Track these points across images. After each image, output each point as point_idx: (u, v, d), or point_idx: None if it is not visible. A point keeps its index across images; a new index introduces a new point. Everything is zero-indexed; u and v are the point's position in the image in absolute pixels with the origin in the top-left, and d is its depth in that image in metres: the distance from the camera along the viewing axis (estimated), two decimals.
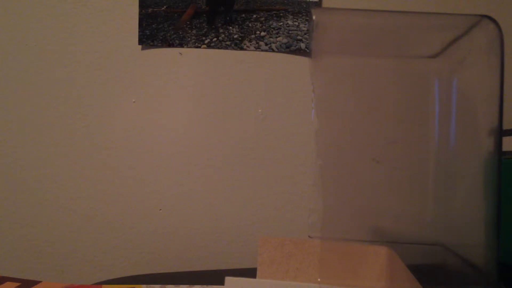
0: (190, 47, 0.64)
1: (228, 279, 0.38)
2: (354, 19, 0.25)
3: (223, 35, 0.65)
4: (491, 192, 0.23)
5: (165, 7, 0.64)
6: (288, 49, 0.65)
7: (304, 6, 0.65)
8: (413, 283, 0.31)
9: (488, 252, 0.23)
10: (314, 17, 0.23)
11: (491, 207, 0.23)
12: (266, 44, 0.65)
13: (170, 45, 0.64)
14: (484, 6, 0.66)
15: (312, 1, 0.66)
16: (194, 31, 0.64)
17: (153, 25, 0.64)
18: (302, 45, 0.65)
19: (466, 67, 0.25)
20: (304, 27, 0.65)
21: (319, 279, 0.28)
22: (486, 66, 0.22)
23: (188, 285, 0.41)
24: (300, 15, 0.65)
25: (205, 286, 0.41)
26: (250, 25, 0.65)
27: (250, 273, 0.42)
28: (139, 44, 0.64)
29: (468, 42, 0.24)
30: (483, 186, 0.23)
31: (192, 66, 0.65)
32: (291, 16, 0.65)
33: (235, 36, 0.65)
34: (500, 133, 0.23)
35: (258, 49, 0.65)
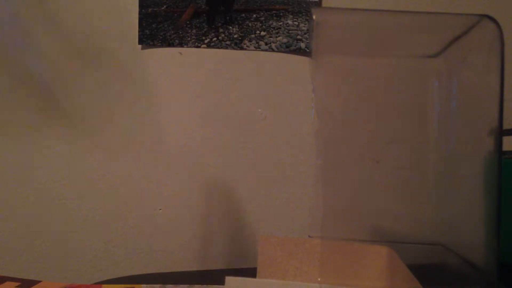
0: (190, 46, 0.64)
1: (228, 279, 0.38)
2: (354, 18, 0.25)
3: (223, 35, 0.65)
4: (491, 191, 0.23)
5: (165, 6, 0.64)
6: (288, 48, 0.65)
7: (304, 5, 0.65)
8: (413, 283, 0.31)
9: (488, 252, 0.23)
10: (314, 17, 0.23)
11: (491, 206, 0.23)
12: (266, 44, 0.65)
13: (170, 44, 0.64)
14: (484, 5, 0.66)
15: (312, 1, 0.66)
16: (194, 31, 0.64)
17: (153, 25, 0.64)
18: (302, 45, 0.65)
19: (466, 67, 0.25)
20: (304, 26, 0.65)
21: (319, 279, 0.28)
22: (486, 66, 0.22)
23: (188, 285, 0.41)
24: (300, 15, 0.65)
25: (205, 286, 0.41)
26: (250, 24, 0.65)
27: (250, 273, 0.42)
28: (139, 43, 0.64)
29: (469, 42, 0.24)
30: (483, 186, 0.23)
31: (192, 66, 0.65)
32: (291, 16, 0.65)
33: (235, 36, 0.65)
34: (500, 133, 0.23)
35: (258, 49, 0.65)
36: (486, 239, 0.24)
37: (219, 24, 0.65)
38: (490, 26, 0.22)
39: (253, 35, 0.65)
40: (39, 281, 0.41)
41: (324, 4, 0.66)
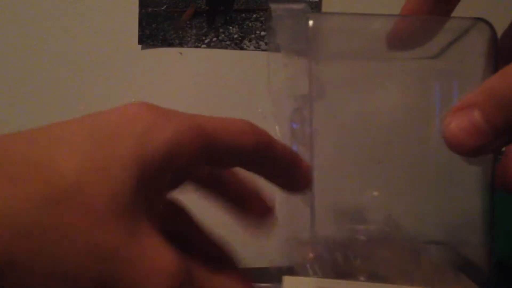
0: (190, 47, 0.64)
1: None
2: (348, 23, 0.26)
3: (223, 35, 0.65)
4: (485, 189, 0.23)
5: (165, 6, 0.64)
6: None
7: None
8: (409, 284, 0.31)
9: (485, 251, 0.23)
10: (310, 23, 0.24)
11: (486, 204, 0.23)
12: (266, 44, 0.65)
13: (170, 45, 0.64)
14: (481, 7, 0.66)
15: (312, 1, 0.66)
16: (194, 31, 0.64)
17: (153, 25, 0.64)
18: None
19: (465, 69, 0.25)
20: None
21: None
22: (483, 68, 0.22)
23: None
24: None
25: None
26: (250, 24, 0.65)
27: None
28: (139, 44, 0.64)
29: (466, 44, 0.24)
30: (482, 185, 0.24)
31: (192, 66, 0.65)
32: None
33: (235, 36, 0.65)
34: None
35: (258, 49, 0.65)
36: (483, 238, 0.24)
37: (219, 24, 0.65)
38: (485, 29, 0.22)
39: (253, 35, 0.65)
40: None
41: (324, 4, 0.66)
